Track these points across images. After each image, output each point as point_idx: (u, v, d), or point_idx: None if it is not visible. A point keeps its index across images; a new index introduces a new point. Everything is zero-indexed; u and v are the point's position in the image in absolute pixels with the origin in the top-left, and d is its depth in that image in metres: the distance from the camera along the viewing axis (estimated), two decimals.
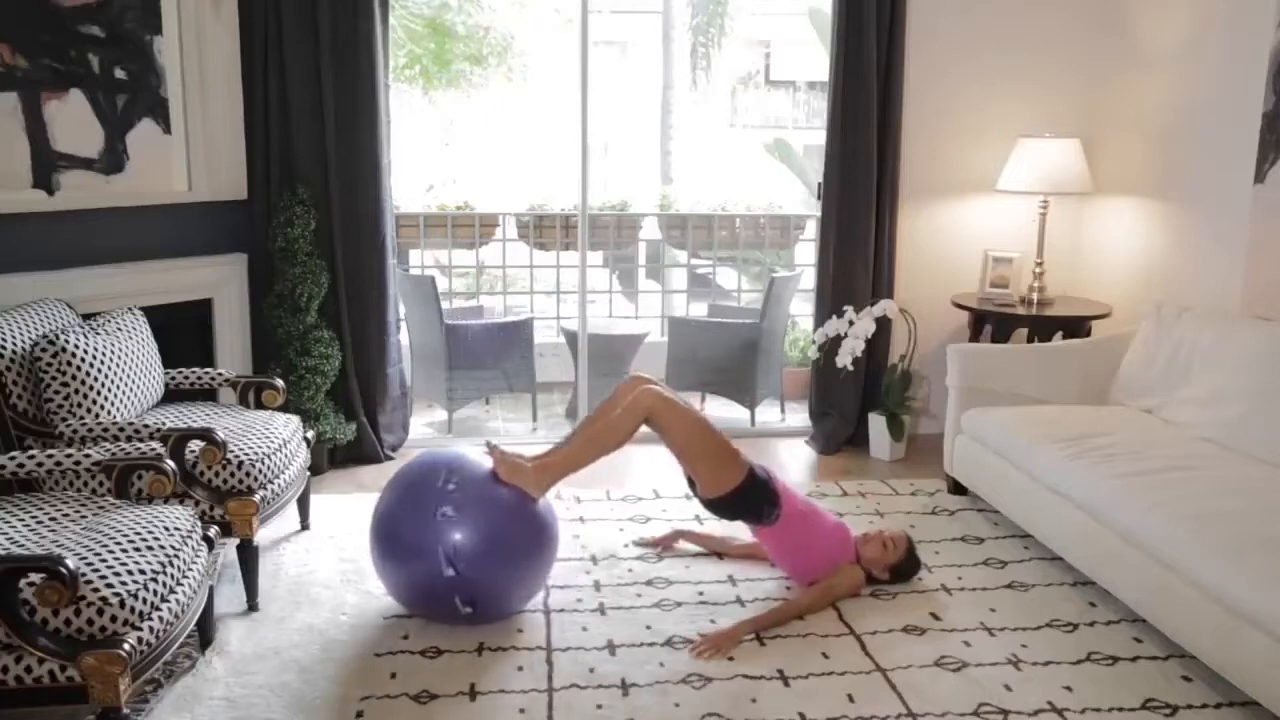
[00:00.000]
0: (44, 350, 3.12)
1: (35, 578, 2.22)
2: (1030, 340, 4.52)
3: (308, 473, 3.73)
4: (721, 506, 3.25)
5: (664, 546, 3.67)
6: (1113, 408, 3.95)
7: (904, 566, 3.37)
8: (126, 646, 2.27)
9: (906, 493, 4.29)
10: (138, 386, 3.39)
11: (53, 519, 2.63)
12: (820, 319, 4.82)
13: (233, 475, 3.15)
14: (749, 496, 3.20)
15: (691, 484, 3.30)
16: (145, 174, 3.98)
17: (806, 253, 6.47)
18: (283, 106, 4.29)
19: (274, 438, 3.38)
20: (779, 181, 9.46)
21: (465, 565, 2.87)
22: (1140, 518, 2.98)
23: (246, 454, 3.20)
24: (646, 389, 3.14)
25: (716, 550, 3.64)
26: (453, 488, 2.93)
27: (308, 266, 4.26)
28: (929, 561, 3.53)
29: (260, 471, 3.21)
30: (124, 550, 2.44)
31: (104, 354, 3.25)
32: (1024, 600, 3.31)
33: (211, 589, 2.85)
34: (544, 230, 6.61)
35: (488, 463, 3.03)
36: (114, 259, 3.92)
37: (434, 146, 10.22)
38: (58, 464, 2.77)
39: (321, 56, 4.24)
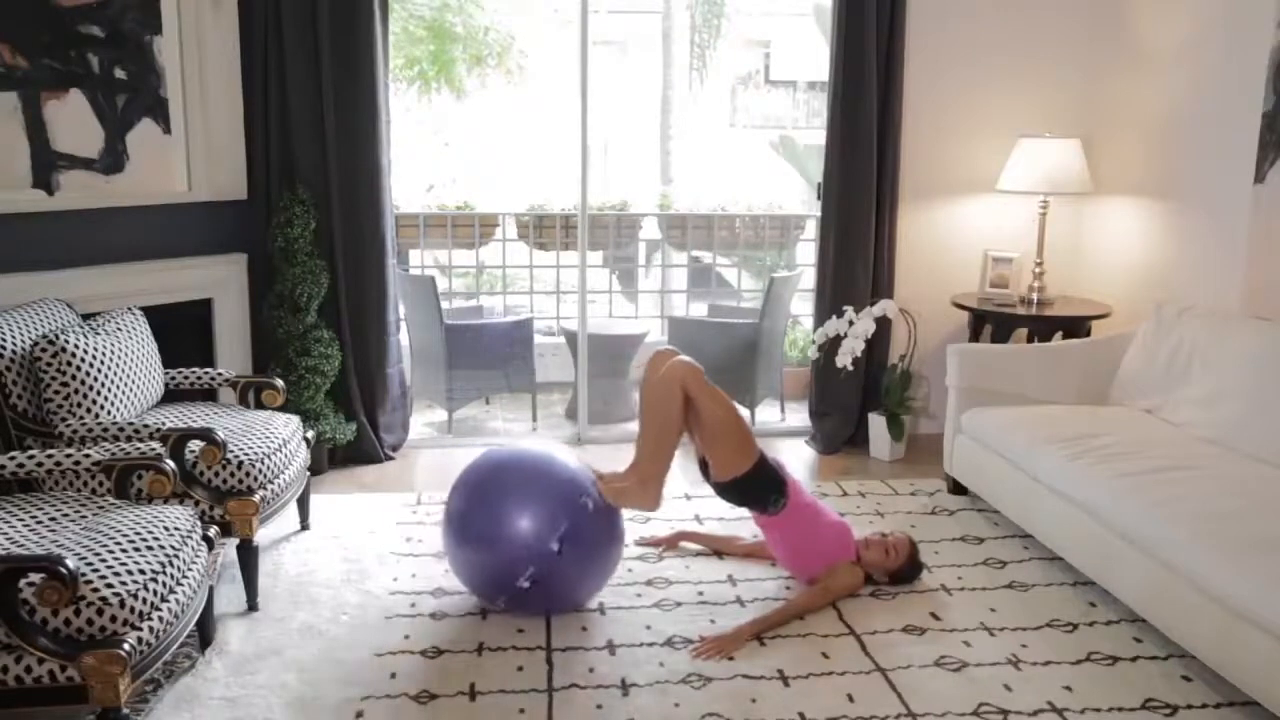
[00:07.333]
0: (44, 350, 3.12)
1: (35, 578, 2.22)
2: (1030, 340, 4.52)
3: (308, 473, 3.74)
4: (731, 491, 3.25)
5: (667, 546, 3.67)
6: (1113, 408, 3.95)
7: (905, 573, 3.37)
8: (126, 646, 2.27)
9: (906, 493, 4.29)
10: (137, 386, 3.39)
11: (53, 519, 2.63)
12: (820, 319, 4.83)
13: (233, 475, 3.15)
14: (758, 482, 3.21)
15: (703, 467, 3.30)
16: (145, 174, 3.98)
17: (806, 253, 6.47)
18: (283, 106, 4.29)
19: (274, 438, 3.39)
20: (782, 179, 9.45)
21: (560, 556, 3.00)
22: (1140, 518, 2.98)
23: (246, 454, 3.20)
24: (677, 360, 3.17)
25: (717, 549, 3.64)
26: (591, 505, 3.06)
27: (308, 266, 4.26)
28: (929, 561, 3.53)
29: (260, 471, 3.21)
30: (124, 550, 2.44)
31: (104, 354, 3.25)
32: (1024, 600, 3.31)
33: (211, 589, 2.86)
34: (544, 230, 6.60)
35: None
36: (114, 259, 3.92)
37: (434, 146, 10.21)
38: (58, 464, 2.76)
39: (321, 56, 4.24)
